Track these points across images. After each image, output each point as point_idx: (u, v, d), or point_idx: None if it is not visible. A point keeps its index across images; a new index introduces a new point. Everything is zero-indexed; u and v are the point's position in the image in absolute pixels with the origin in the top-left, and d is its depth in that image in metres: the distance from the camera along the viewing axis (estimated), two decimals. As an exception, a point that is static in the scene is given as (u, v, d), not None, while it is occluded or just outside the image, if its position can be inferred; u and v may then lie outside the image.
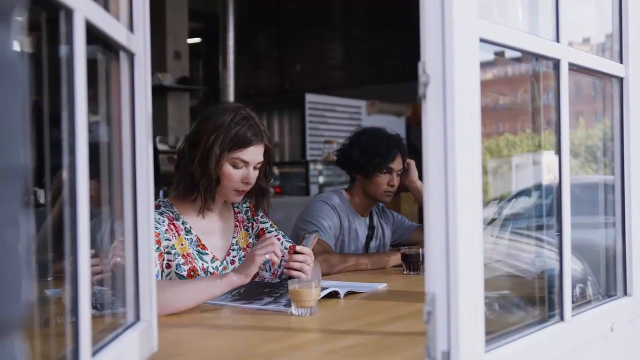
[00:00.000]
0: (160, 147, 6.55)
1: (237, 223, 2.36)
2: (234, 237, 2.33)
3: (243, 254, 2.32)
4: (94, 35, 1.10)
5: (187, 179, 2.18)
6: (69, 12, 0.98)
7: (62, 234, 1.03)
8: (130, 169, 1.34)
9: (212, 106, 2.29)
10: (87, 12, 1.03)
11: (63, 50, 1.01)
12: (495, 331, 1.32)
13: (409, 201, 6.54)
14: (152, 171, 1.40)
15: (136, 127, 1.35)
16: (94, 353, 1.09)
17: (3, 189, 0.56)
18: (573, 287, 1.59)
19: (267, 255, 1.97)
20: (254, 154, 2.19)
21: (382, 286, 2.33)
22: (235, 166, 2.17)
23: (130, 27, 1.33)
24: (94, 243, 1.07)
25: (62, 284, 1.36)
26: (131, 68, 1.34)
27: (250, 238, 2.37)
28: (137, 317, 1.36)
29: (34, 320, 1.11)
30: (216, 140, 2.13)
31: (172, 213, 2.19)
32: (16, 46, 0.58)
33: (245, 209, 2.40)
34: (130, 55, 1.33)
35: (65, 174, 1.01)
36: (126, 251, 1.35)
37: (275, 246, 1.99)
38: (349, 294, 2.16)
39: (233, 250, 2.31)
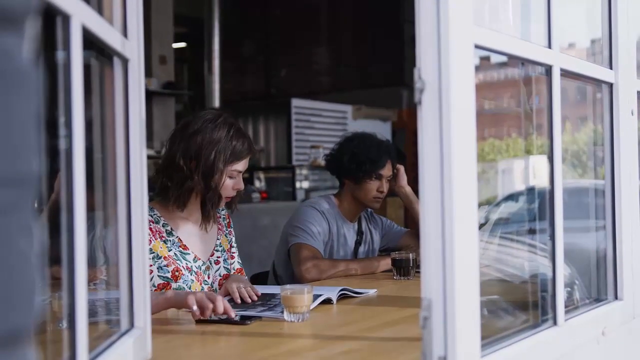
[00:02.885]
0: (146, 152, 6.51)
1: (220, 226, 2.45)
2: (218, 239, 2.41)
3: (226, 255, 2.42)
4: (88, 41, 1.10)
5: (187, 193, 2.24)
6: (66, 18, 0.97)
7: (52, 240, 1.02)
8: (125, 176, 1.33)
9: (194, 116, 2.31)
10: (84, 18, 1.02)
11: (59, 55, 1.00)
12: (489, 336, 1.32)
13: (394, 206, 6.55)
14: (145, 178, 1.39)
15: (130, 133, 1.34)
16: (90, 361, 1.08)
17: (17, 197, 0.55)
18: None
19: (194, 307, 1.81)
20: (246, 163, 2.32)
21: (372, 292, 2.34)
22: (230, 177, 2.27)
23: (125, 33, 1.33)
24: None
25: (54, 291, 1.35)
26: (125, 74, 1.33)
27: (228, 243, 2.46)
28: (132, 324, 1.35)
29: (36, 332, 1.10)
30: (218, 156, 2.22)
31: (152, 216, 2.22)
32: (28, 54, 0.58)
33: (223, 217, 2.49)
34: (125, 61, 1.32)
35: (61, 180, 1.00)
36: (120, 259, 1.34)
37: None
38: (342, 298, 2.17)
39: (217, 250, 2.39)
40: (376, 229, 3.21)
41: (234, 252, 2.50)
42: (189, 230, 2.31)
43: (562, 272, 1.52)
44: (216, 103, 8.58)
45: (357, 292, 2.25)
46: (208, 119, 2.27)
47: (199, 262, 2.30)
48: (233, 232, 2.52)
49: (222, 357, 1.58)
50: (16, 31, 0.56)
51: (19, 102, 0.55)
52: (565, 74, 1.58)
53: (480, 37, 1.24)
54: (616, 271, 1.81)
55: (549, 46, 1.51)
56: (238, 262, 2.50)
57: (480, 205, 2.10)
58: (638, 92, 1.90)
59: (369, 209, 3.17)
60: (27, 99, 0.56)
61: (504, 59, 1.55)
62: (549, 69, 1.51)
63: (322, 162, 3.23)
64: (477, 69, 1.48)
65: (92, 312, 1.38)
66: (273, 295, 2.17)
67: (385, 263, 2.81)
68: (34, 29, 0.60)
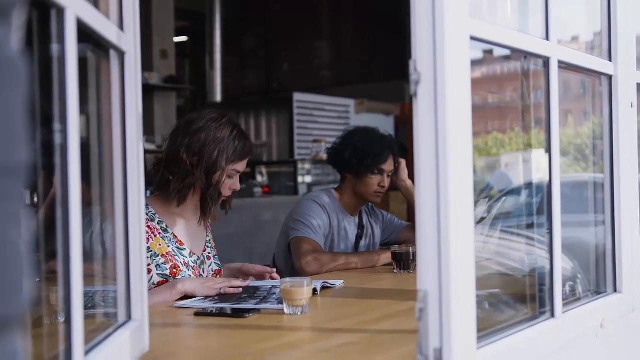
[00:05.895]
0: (147, 146, 6.53)
1: (208, 225, 2.48)
2: (208, 236, 2.46)
3: (215, 252, 2.47)
4: (84, 34, 1.10)
5: (188, 188, 2.27)
6: (61, 11, 0.98)
7: (51, 235, 1.02)
8: (121, 169, 1.34)
9: (198, 114, 2.35)
10: (79, 10, 1.02)
11: (54, 48, 1.00)
12: (487, 328, 1.32)
13: (397, 200, 6.55)
14: (142, 171, 1.39)
15: (127, 127, 1.34)
16: (86, 352, 1.08)
17: (6, 186, 0.56)
18: (563, 285, 1.60)
19: (221, 290, 2.11)
20: (245, 164, 2.36)
21: (339, 283, 2.37)
22: (229, 176, 2.31)
23: (121, 26, 1.33)
24: (83, 244, 1.06)
25: (52, 284, 1.36)
26: (122, 67, 1.33)
27: (213, 241, 2.51)
28: (129, 317, 1.35)
29: (27, 319, 1.11)
30: (221, 154, 2.25)
31: (147, 214, 2.23)
32: (16, 45, 0.58)
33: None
34: (121, 54, 1.32)
35: (56, 175, 1.01)
36: (117, 251, 1.35)
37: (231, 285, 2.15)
38: (323, 288, 2.22)
39: (208, 247, 2.44)
40: (377, 222, 3.21)
41: (209, 254, 2.50)
42: (182, 227, 2.35)
43: (560, 264, 1.52)
44: (218, 98, 8.59)
45: (330, 284, 2.31)
46: (212, 117, 2.30)
47: (194, 257, 2.34)
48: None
49: (220, 349, 1.58)
50: (3, 22, 0.56)
51: (6, 93, 0.56)
52: (564, 66, 1.57)
53: (476, 28, 1.24)
54: (615, 264, 1.81)
55: (547, 38, 1.50)
56: (216, 263, 2.50)
57: (483, 199, 2.10)
58: (638, 84, 1.90)
59: (370, 203, 3.17)
60: (14, 89, 0.57)
61: (507, 52, 1.55)
62: (546, 61, 1.51)
63: (325, 156, 3.23)
64: (481, 62, 1.49)
65: (92, 305, 1.39)
66: (257, 288, 2.19)
67: (386, 256, 2.81)
68: (21, 19, 0.60)
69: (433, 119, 1.15)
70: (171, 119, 7.67)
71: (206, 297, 2.07)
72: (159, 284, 2.19)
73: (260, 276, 2.42)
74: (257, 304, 1.96)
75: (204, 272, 2.36)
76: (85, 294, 1.19)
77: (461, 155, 1.18)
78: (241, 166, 2.33)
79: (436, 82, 1.15)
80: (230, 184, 2.32)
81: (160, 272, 2.20)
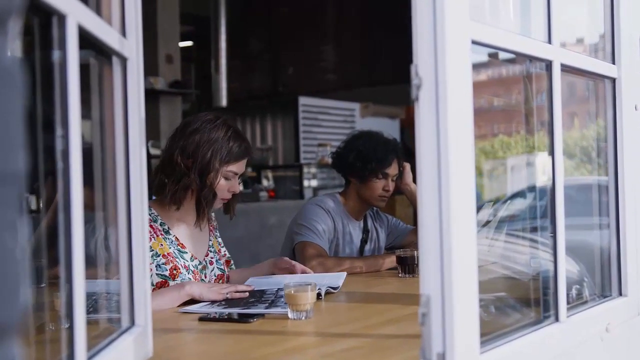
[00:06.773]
0: (153, 151, 6.53)
1: (211, 228, 2.49)
2: (210, 240, 2.45)
3: (218, 256, 2.46)
4: (86, 40, 1.10)
5: (183, 190, 2.27)
6: (62, 18, 0.98)
7: (55, 241, 1.03)
8: (124, 175, 1.34)
9: (194, 116, 2.36)
10: (80, 17, 1.03)
11: (55, 55, 1.01)
12: (490, 332, 1.32)
13: (403, 204, 6.54)
14: (145, 176, 1.39)
15: (129, 132, 1.35)
16: (89, 358, 1.08)
17: (2, 194, 0.56)
18: (569, 289, 1.60)
19: (228, 295, 2.11)
20: (243, 165, 2.35)
21: (342, 276, 2.41)
22: (226, 178, 2.31)
23: (123, 32, 1.33)
24: (87, 249, 1.06)
25: (56, 290, 1.36)
26: (124, 73, 1.34)
27: (218, 245, 2.51)
28: (132, 322, 1.36)
29: (28, 326, 1.11)
30: (214, 155, 2.25)
31: (150, 215, 2.24)
32: (13, 52, 0.58)
33: (212, 219, 2.54)
34: (123, 60, 1.33)
35: (59, 180, 1.01)
36: (120, 257, 1.35)
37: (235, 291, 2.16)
38: (327, 293, 2.21)
39: (211, 251, 2.43)
40: (382, 227, 3.21)
41: (225, 251, 2.53)
42: (184, 230, 2.35)
43: (564, 268, 1.52)
44: (223, 102, 8.60)
45: (333, 288, 2.28)
46: (207, 119, 2.31)
47: (196, 262, 2.34)
48: (219, 235, 2.56)
49: (224, 354, 1.58)
50: (0, 30, 0.56)
51: (3, 100, 0.56)
52: (567, 69, 1.57)
53: (478, 32, 1.24)
54: (620, 267, 1.81)
55: (549, 41, 1.50)
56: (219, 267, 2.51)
57: (488, 202, 2.09)
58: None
59: (375, 207, 3.16)
60: (11, 97, 0.57)
61: (512, 55, 1.55)
62: (549, 64, 1.50)
63: (330, 160, 3.23)
64: (486, 65, 1.48)
65: (94, 309, 1.39)
66: (264, 292, 2.18)
67: (390, 260, 2.80)
68: (18, 27, 0.61)
69: (434, 123, 1.15)
70: (177, 123, 7.61)
71: (213, 302, 2.07)
72: (158, 285, 2.19)
73: (289, 270, 2.45)
74: (266, 308, 1.96)
75: (205, 276, 2.36)
76: (89, 296, 1.19)
77: (463, 158, 1.17)
78: (237, 168, 2.32)
79: (437, 86, 1.15)
80: (228, 186, 2.31)
81: (160, 273, 2.21)
